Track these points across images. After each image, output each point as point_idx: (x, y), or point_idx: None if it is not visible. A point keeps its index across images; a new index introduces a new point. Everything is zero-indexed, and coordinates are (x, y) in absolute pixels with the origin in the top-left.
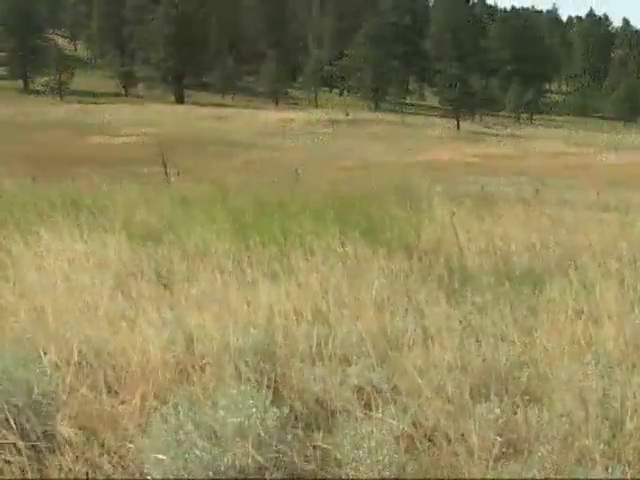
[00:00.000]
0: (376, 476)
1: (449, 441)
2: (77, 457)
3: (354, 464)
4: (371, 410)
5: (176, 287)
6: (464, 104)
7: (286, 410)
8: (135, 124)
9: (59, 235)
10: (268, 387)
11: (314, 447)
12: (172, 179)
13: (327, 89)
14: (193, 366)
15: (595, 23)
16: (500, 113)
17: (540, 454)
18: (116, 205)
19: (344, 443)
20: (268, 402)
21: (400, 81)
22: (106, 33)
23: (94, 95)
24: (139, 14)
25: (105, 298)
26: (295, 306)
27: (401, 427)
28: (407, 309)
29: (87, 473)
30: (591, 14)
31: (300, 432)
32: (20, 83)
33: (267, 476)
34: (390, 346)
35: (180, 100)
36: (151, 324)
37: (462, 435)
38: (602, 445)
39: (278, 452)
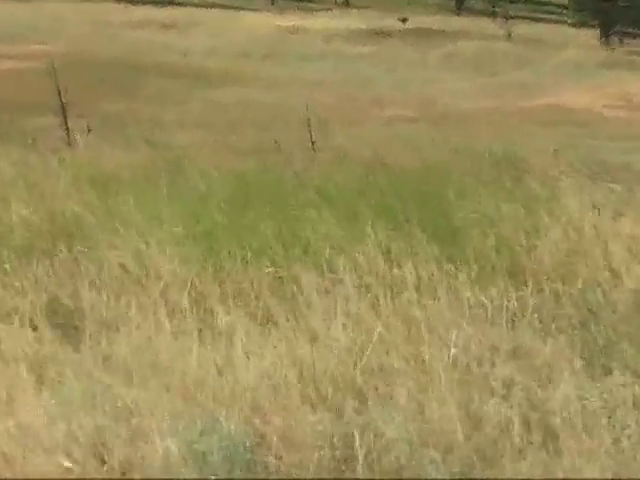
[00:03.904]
0: None
1: None
2: None
3: None
4: None
5: (85, 339)
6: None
7: None
8: (15, 37)
9: None
10: None
11: None
12: (78, 138)
13: None
14: None
15: None
16: None
17: None
18: None
19: None
20: None
21: None
22: None
23: None
24: None
25: None
26: (304, 377)
27: None
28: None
29: None
30: None
31: None
32: None
33: None
34: (480, 451)
35: None
36: (35, 409)
37: None
38: None
39: None
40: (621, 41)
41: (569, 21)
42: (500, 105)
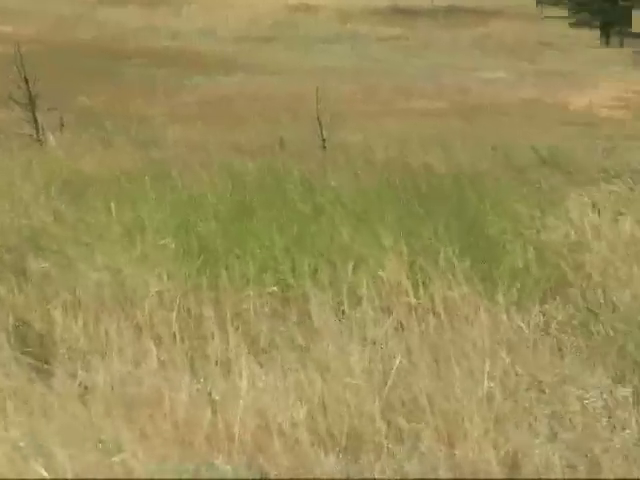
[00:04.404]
0: None
1: None
2: None
3: None
4: None
5: (58, 369)
6: None
7: None
8: None
9: None
10: None
11: None
12: (50, 135)
13: None
14: None
15: None
16: None
17: None
18: None
19: None
20: None
21: None
22: None
23: None
24: None
25: None
26: (315, 414)
27: None
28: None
29: None
30: None
31: None
32: None
33: None
34: None
35: None
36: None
37: None
38: None
39: None
40: (621, 41)
41: (569, 21)
42: (540, 97)
